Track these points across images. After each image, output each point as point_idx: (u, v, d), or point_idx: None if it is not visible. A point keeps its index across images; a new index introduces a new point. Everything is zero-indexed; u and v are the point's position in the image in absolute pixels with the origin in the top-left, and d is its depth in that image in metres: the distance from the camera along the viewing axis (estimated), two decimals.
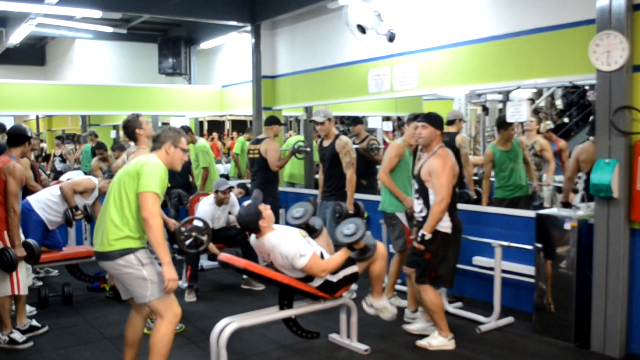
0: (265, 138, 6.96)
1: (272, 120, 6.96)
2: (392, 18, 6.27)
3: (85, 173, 8.52)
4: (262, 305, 4.66)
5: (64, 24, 9.75)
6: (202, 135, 8.88)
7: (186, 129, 7.46)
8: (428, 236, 4.26)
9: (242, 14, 8.13)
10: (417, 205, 4.49)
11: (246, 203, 4.15)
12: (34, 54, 13.77)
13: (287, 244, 3.98)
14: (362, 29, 5.81)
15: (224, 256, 4.04)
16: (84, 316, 5.42)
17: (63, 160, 11.61)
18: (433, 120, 4.42)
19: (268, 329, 4.77)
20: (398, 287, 5.66)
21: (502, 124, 6.13)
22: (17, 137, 4.94)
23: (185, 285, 5.91)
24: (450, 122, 6.40)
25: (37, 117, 16.52)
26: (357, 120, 7.67)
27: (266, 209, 4.09)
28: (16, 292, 4.64)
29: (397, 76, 6.33)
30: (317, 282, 4.13)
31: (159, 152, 3.61)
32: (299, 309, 4.27)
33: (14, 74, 12.70)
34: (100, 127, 12.34)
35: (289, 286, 4.09)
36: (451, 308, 5.30)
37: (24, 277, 4.73)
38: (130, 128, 4.74)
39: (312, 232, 4.45)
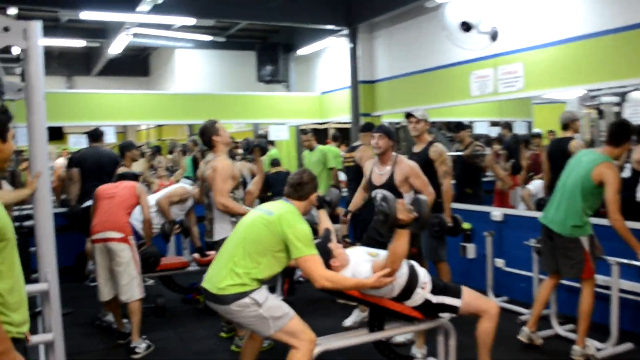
0: (361, 145, 6.72)
1: (368, 127, 6.70)
2: (494, 14, 5.83)
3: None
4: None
5: (163, 34, 9.95)
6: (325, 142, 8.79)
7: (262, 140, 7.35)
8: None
9: (339, 18, 7.95)
10: None
11: (316, 241, 3.87)
12: (138, 65, 14.25)
13: (359, 275, 3.59)
14: (466, 27, 5.40)
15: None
16: (175, 329, 5.37)
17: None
18: (388, 131, 4.74)
19: (357, 351, 4.46)
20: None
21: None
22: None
23: (280, 298, 5.75)
24: (565, 127, 5.79)
25: (148, 128, 17.18)
26: (462, 126, 7.24)
27: (337, 248, 3.74)
28: (142, 295, 4.83)
29: (501, 77, 5.86)
30: (415, 302, 3.74)
31: (298, 202, 3.54)
32: (391, 331, 3.93)
33: (119, 85, 13.30)
34: None
35: (381, 306, 3.77)
36: (562, 331, 4.79)
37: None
38: (207, 135, 4.60)
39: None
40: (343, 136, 9.16)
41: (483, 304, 3.76)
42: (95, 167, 6.44)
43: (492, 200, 7.65)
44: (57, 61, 13.38)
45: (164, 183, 8.48)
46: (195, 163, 9.85)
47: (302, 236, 3.31)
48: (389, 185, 4.61)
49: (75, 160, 6.84)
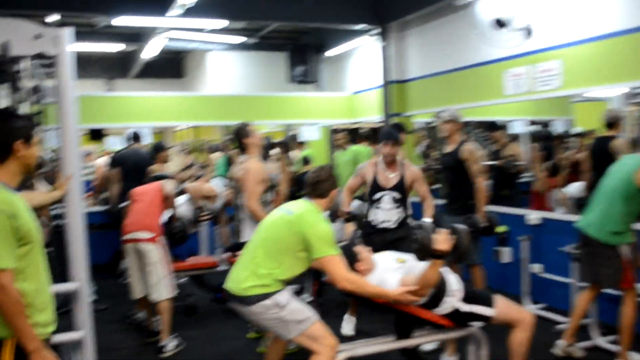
0: None
1: (398, 128, 6.58)
2: (528, 10, 5.62)
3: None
4: (384, 325, 4.21)
5: (196, 37, 9.99)
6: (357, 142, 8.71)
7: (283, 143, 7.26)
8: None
9: (369, 17, 7.83)
10: (395, 214, 4.73)
11: (342, 244, 3.76)
12: (173, 67, 14.35)
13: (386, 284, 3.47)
14: (500, 24, 5.22)
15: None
16: (204, 329, 5.42)
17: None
18: (399, 137, 4.92)
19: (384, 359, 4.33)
20: None
21: None
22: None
23: (310, 299, 5.69)
24: (610, 125, 5.48)
25: (185, 128, 17.28)
26: (496, 126, 7.03)
27: (364, 251, 3.64)
28: (173, 294, 4.90)
29: (537, 75, 5.65)
30: (444, 310, 3.59)
31: (319, 200, 3.47)
32: (419, 339, 3.79)
33: (155, 87, 13.50)
34: None
35: (408, 313, 3.63)
36: (602, 342, 4.58)
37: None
38: (239, 137, 4.63)
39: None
40: (376, 136, 9.03)
41: (517, 314, 3.60)
42: (135, 167, 6.64)
43: (529, 202, 7.42)
44: (96, 65, 13.64)
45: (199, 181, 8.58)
46: (230, 163, 9.88)
47: (322, 236, 3.25)
48: (400, 187, 4.79)
49: (116, 160, 7.12)
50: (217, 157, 11.02)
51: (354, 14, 7.84)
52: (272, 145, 5.80)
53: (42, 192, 4.01)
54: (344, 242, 3.79)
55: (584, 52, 5.24)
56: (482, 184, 5.04)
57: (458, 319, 3.61)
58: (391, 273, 3.49)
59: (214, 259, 6.20)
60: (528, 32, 5.44)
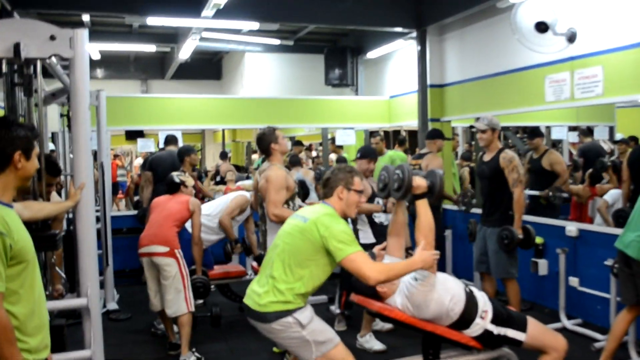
0: (428, 153, 6.47)
1: (435, 134, 6.47)
2: (571, 14, 5.42)
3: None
4: (414, 340, 4.07)
5: (233, 37, 9.95)
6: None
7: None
8: None
9: (408, 20, 7.66)
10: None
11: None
12: (211, 68, 14.41)
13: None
14: (542, 28, 5.04)
15: (357, 298, 3.55)
16: (227, 341, 5.28)
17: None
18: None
19: None
20: None
21: None
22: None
23: (338, 312, 5.55)
24: None
25: (223, 130, 17.40)
26: (536, 133, 6.82)
27: (380, 252, 3.52)
28: (191, 309, 4.71)
29: (578, 82, 5.43)
30: (474, 332, 3.43)
31: (331, 200, 3.26)
32: None
33: (192, 88, 13.57)
34: None
35: (436, 334, 3.50)
36: None
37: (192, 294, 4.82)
38: (265, 142, 4.46)
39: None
40: (415, 141, 8.87)
41: (550, 340, 3.42)
42: (170, 169, 6.43)
43: (568, 211, 7.19)
44: (133, 65, 13.84)
45: (230, 187, 8.52)
46: None
47: (340, 235, 3.03)
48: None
49: (149, 163, 7.00)
50: (257, 157, 11.06)
51: (392, 17, 7.68)
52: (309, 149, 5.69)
53: (52, 203, 3.87)
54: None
55: (626, 58, 5.01)
56: (520, 194, 4.86)
57: (488, 341, 3.45)
58: (407, 276, 3.39)
59: (242, 267, 6.08)
60: (571, 37, 5.23)
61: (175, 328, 4.96)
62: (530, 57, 5.99)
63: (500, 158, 4.92)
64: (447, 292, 3.36)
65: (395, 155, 7.84)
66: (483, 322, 3.41)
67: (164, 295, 4.74)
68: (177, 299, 4.67)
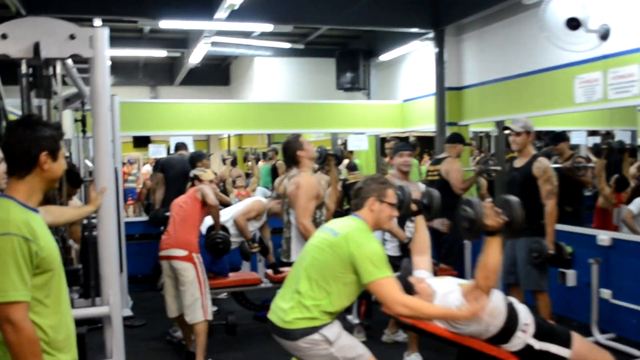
0: (447, 157, 6.21)
1: (455, 138, 6.24)
2: (604, 9, 5.16)
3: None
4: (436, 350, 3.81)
5: (242, 42, 9.83)
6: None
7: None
8: None
9: (424, 20, 7.48)
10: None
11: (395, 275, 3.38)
12: (219, 74, 14.27)
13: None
14: (574, 24, 4.77)
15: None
16: (244, 350, 5.14)
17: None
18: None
19: None
20: None
21: None
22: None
23: (357, 321, 5.33)
24: None
25: (229, 136, 17.23)
26: (561, 137, 6.55)
27: (420, 282, 3.24)
28: (208, 317, 4.59)
29: (612, 82, 5.15)
30: (514, 346, 3.17)
31: (362, 212, 3.05)
32: None
33: (201, 94, 13.44)
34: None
35: (473, 349, 3.22)
36: None
37: (210, 302, 4.69)
38: (291, 150, 4.30)
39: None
40: (425, 146, 8.64)
41: (597, 357, 3.16)
42: (180, 174, 6.57)
43: (592, 219, 6.89)
44: (142, 71, 13.73)
45: (241, 192, 8.42)
46: (274, 173, 9.64)
47: (372, 256, 2.84)
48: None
49: (161, 165, 7.06)
50: (261, 166, 10.86)
51: (407, 17, 7.53)
52: (327, 157, 5.46)
53: (72, 207, 3.75)
54: (397, 273, 3.38)
55: None
56: (553, 206, 4.62)
57: (529, 357, 3.18)
58: (452, 294, 3.10)
59: (257, 275, 5.94)
60: (604, 34, 4.96)
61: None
62: (558, 56, 5.75)
63: (534, 167, 4.68)
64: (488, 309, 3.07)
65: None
66: (524, 336, 3.17)
67: (182, 300, 4.65)
68: (194, 306, 4.56)
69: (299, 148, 4.27)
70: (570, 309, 5.65)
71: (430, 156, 8.85)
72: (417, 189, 4.59)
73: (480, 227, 2.98)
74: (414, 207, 3.59)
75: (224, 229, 5.25)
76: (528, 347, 3.16)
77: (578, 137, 8.38)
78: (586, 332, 5.17)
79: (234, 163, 11.06)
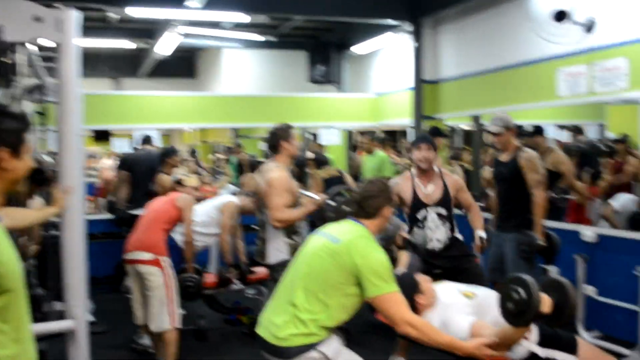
0: None
1: (436, 132, 6.08)
2: (588, 1, 5.07)
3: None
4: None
5: (211, 33, 9.54)
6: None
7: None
8: None
9: (401, 11, 7.34)
10: (443, 233, 4.11)
11: (400, 271, 3.18)
12: (185, 66, 13.86)
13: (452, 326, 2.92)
14: (560, 16, 4.65)
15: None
16: (215, 356, 4.88)
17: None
18: (434, 141, 4.31)
19: None
20: None
21: None
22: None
23: None
24: None
25: (192, 130, 16.86)
26: (536, 131, 6.43)
27: (426, 281, 3.09)
28: (177, 325, 4.29)
29: (598, 75, 5.06)
30: (518, 354, 2.99)
31: (367, 220, 2.82)
32: None
33: (167, 87, 13.00)
34: (250, 139, 12.06)
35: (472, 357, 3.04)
36: None
37: (179, 309, 4.39)
38: (277, 137, 4.03)
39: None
40: (392, 140, 8.46)
41: None
42: (148, 170, 6.18)
43: (566, 214, 6.84)
44: (105, 63, 13.22)
45: (207, 189, 8.09)
46: (240, 168, 9.35)
47: (378, 268, 2.62)
48: (445, 202, 4.18)
49: (126, 162, 6.70)
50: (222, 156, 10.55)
51: (383, 8, 7.38)
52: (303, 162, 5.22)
53: (34, 209, 3.39)
54: (401, 269, 3.17)
55: None
56: (542, 196, 4.46)
57: None
58: (459, 313, 2.90)
59: (228, 275, 5.63)
60: (589, 26, 4.85)
61: None
62: (540, 49, 5.65)
63: (520, 158, 4.52)
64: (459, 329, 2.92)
65: (384, 156, 7.39)
66: (527, 344, 2.98)
67: (148, 307, 4.33)
68: (160, 312, 4.25)
69: (287, 139, 4.01)
70: None
71: (397, 151, 8.68)
72: (437, 185, 4.25)
73: (535, 314, 2.56)
74: (399, 241, 3.55)
75: (198, 271, 4.94)
76: (533, 355, 3.00)
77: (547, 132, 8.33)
78: (571, 331, 5.08)
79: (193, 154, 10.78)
